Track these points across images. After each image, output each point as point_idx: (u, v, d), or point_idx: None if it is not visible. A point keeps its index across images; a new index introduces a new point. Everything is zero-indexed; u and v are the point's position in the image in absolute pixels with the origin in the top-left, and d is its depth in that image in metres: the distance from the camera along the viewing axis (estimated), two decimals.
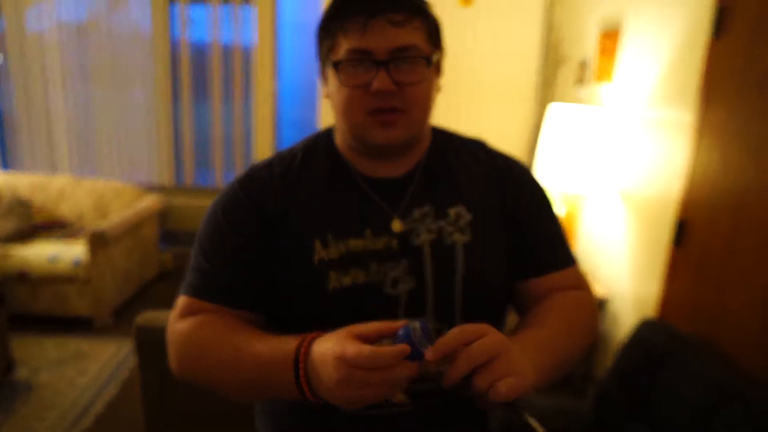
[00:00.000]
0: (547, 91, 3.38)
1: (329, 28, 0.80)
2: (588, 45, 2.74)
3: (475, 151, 0.95)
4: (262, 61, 3.68)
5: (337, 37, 0.79)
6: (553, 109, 2.40)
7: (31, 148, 3.94)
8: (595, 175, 2.26)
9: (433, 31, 0.83)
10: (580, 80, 2.82)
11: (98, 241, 3.09)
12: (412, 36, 0.78)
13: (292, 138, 4.30)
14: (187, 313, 0.85)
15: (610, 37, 2.41)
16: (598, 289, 2.33)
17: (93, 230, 3.10)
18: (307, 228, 0.84)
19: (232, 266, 0.85)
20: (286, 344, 0.72)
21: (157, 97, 3.82)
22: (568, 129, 2.29)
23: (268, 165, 0.90)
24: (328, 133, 0.93)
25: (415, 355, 0.63)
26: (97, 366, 2.79)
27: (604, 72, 2.46)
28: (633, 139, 2.20)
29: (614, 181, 2.29)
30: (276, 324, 0.87)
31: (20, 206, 3.63)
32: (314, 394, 0.69)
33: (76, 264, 3.11)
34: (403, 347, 0.62)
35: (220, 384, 0.81)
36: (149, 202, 3.65)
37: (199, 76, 3.79)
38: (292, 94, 4.08)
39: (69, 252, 3.20)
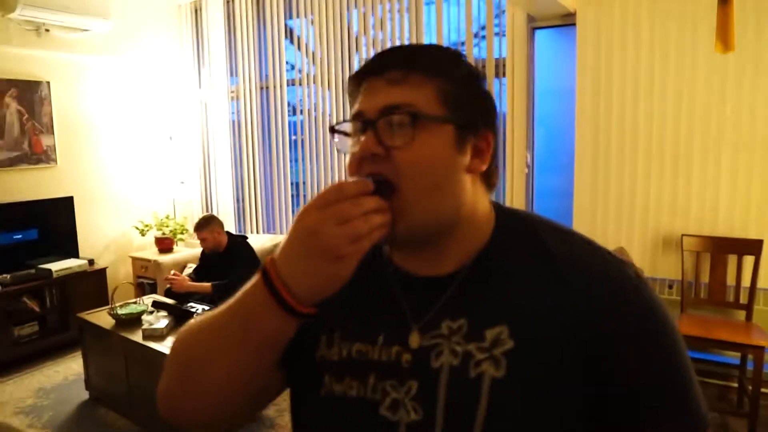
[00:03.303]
0: None
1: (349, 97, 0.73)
2: None
3: (550, 249, 0.68)
4: (511, 129, 3.61)
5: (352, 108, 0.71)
6: None
7: (285, 213, 4.61)
8: None
9: (453, 92, 0.66)
10: None
11: None
12: (408, 94, 0.64)
13: (548, 208, 4.16)
14: None
15: None
16: None
17: None
18: (319, 320, 0.70)
19: None
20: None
21: None
22: None
23: None
24: None
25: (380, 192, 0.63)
26: None
27: None
28: None
29: None
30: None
31: None
32: (294, 297, 0.60)
33: None
34: (364, 181, 0.62)
35: (196, 369, 0.67)
36: None
37: None
38: (549, 162, 3.89)
39: None
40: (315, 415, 0.72)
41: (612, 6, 3.15)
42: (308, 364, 0.72)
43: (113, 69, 4.65)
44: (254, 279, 0.63)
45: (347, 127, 0.70)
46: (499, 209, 0.75)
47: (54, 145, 4.31)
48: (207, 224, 3.55)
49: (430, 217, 0.66)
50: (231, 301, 0.65)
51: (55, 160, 4.32)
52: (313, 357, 0.72)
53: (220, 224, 3.63)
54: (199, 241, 3.62)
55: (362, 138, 0.65)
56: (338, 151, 0.72)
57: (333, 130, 0.71)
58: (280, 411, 3.06)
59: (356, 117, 0.68)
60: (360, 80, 0.69)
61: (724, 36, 1.85)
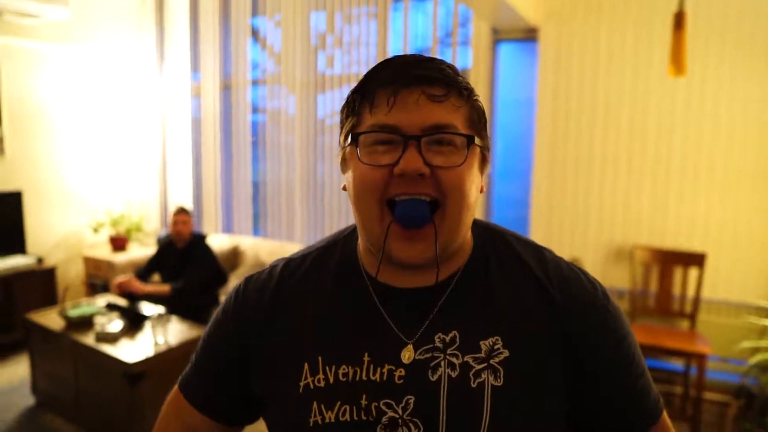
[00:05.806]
0: None
1: (354, 103, 0.67)
2: None
3: (528, 263, 0.72)
4: None
5: (362, 114, 0.66)
6: None
7: (276, 217, 4.57)
8: None
9: (476, 118, 0.68)
10: None
11: None
12: (449, 115, 0.64)
13: (505, 216, 4.27)
14: (170, 401, 0.82)
15: None
16: None
17: None
18: (298, 347, 0.70)
19: (208, 372, 0.79)
20: None
21: None
22: None
23: (273, 267, 0.78)
24: (350, 233, 0.78)
25: None
26: None
27: None
28: None
29: None
30: None
31: (256, 268, 4.19)
32: None
33: None
34: None
35: None
36: None
37: None
38: (508, 171, 3.98)
39: None
40: None
41: (573, 24, 3.26)
42: (291, 396, 0.69)
43: (70, 58, 4.48)
44: None
45: (370, 136, 0.65)
46: (473, 221, 0.76)
47: (2, 136, 4.12)
48: (188, 212, 3.54)
49: (457, 236, 0.67)
50: None
51: (3, 151, 4.13)
52: (297, 386, 0.69)
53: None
54: (173, 223, 3.47)
55: (405, 153, 0.62)
56: (360, 162, 0.66)
57: (355, 138, 0.66)
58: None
59: (390, 129, 0.64)
60: (390, 88, 0.64)
61: (677, 60, 1.95)
